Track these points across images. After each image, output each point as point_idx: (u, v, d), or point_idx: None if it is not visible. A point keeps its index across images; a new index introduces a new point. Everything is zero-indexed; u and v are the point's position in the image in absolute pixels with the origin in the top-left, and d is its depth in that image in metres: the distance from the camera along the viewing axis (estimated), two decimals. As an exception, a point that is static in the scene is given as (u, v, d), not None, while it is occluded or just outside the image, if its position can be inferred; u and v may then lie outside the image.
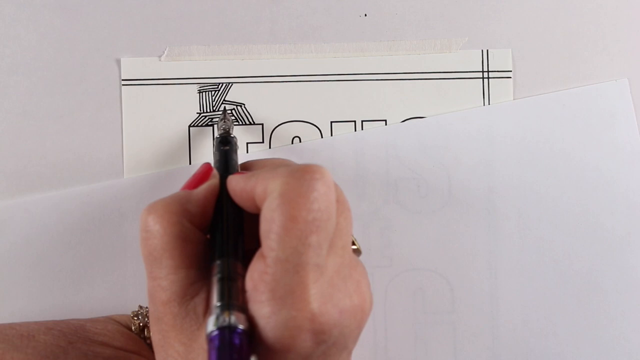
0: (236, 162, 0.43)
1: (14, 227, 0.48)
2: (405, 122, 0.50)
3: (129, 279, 0.49)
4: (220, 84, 0.50)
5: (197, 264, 0.36)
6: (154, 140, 0.49)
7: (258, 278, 0.34)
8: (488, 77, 0.50)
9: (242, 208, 0.38)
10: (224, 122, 0.47)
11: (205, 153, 0.49)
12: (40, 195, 0.49)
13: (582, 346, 0.49)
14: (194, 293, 0.35)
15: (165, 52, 0.49)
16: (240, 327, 0.33)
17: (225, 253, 0.36)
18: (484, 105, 0.50)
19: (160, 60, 0.49)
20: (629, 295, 0.49)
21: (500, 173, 0.50)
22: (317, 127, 0.50)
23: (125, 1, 0.49)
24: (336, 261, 0.35)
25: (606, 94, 0.50)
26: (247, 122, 0.50)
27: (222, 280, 0.35)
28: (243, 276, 0.35)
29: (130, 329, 0.44)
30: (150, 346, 0.44)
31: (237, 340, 0.32)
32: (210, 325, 0.33)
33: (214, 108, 0.50)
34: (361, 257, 0.43)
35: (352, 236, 0.41)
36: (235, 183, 0.38)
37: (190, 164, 0.49)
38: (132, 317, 0.45)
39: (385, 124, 0.50)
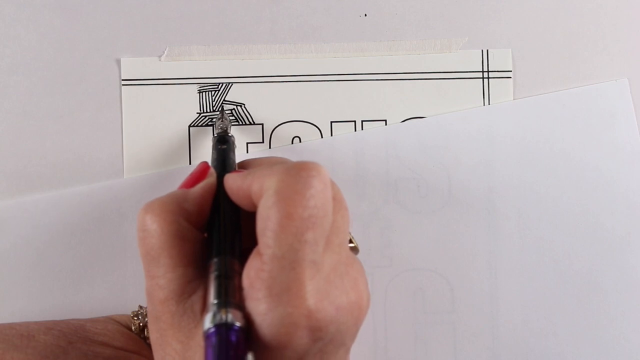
0: (234, 160, 0.43)
1: (14, 227, 0.48)
2: (405, 122, 0.50)
3: (129, 279, 0.49)
4: (220, 84, 0.50)
5: (195, 262, 0.36)
6: (154, 140, 0.49)
7: (254, 275, 0.34)
8: (488, 77, 0.50)
9: (239, 206, 0.38)
10: (222, 121, 0.48)
11: (205, 153, 0.49)
12: (40, 195, 0.49)
13: (582, 346, 0.49)
14: (192, 291, 0.36)
15: (165, 52, 0.49)
16: (237, 324, 0.33)
17: (222, 251, 0.36)
18: (484, 105, 0.50)
19: (160, 60, 0.49)
20: (629, 295, 0.49)
21: (500, 173, 0.50)
22: (317, 127, 0.50)
23: (125, 1, 0.49)
24: (333, 258, 0.35)
25: (606, 94, 0.50)
26: (247, 122, 0.50)
27: (219, 278, 0.35)
28: (240, 274, 0.35)
29: (130, 329, 0.44)
30: (150, 346, 0.44)
31: (233, 338, 0.32)
32: (207, 323, 0.33)
33: (214, 108, 0.50)
34: (361, 257, 0.43)
35: (350, 234, 0.41)
36: (232, 181, 0.38)
37: (190, 164, 0.49)
38: (132, 317, 0.45)
39: (385, 124, 0.50)
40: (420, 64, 0.50)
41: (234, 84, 0.50)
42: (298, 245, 0.34)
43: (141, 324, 0.44)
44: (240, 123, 0.50)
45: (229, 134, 0.46)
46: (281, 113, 0.50)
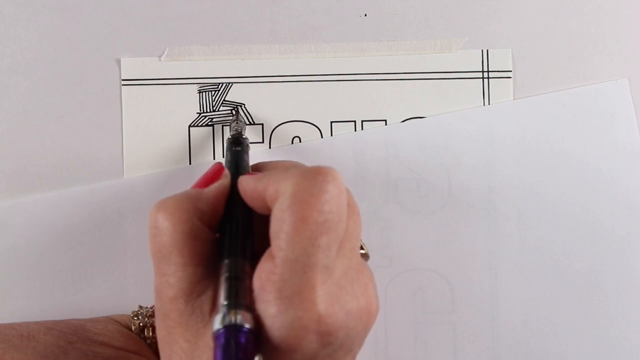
0: (247, 162, 0.43)
1: (14, 227, 0.48)
2: (405, 122, 0.50)
3: (129, 279, 0.49)
4: (220, 84, 0.50)
5: (206, 262, 0.36)
6: (154, 140, 0.49)
7: (266, 277, 0.34)
8: (488, 77, 0.50)
9: (252, 209, 0.38)
10: (237, 122, 0.48)
11: (205, 153, 0.49)
12: (40, 195, 0.49)
13: (582, 346, 0.49)
14: (201, 291, 0.36)
15: (165, 52, 0.49)
16: (247, 326, 0.33)
17: (234, 252, 0.36)
18: (484, 105, 0.50)
19: (160, 60, 0.49)
20: (629, 295, 0.49)
21: (500, 173, 0.50)
22: (317, 127, 0.50)
23: (125, 1, 0.49)
24: (344, 263, 0.35)
25: (606, 94, 0.50)
26: (247, 122, 0.50)
27: (229, 279, 0.35)
28: (251, 276, 0.35)
29: (130, 329, 0.44)
30: (150, 346, 0.44)
31: (242, 339, 0.32)
32: (217, 324, 0.33)
33: (214, 108, 0.50)
34: (361, 257, 0.43)
35: (361, 240, 0.41)
36: (247, 183, 0.38)
37: (190, 164, 0.49)
38: (132, 317, 0.45)
39: (385, 124, 0.50)
40: (420, 64, 0.50)
41: (234, 84, 0.50)
42: (311, 250, 0.34)
43: (141, 324, 0.44)
44: (240, 123, 0.50)
45: (244, 136, 0.46)
46: (281, 113, 0.50)
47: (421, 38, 0.50)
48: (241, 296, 0.34)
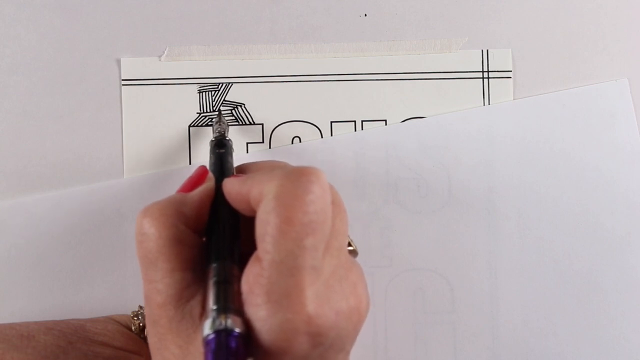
0: (232, 164, 0.43)
1: (14, 227, 0.48)
2: (405, 122, 0.50)
3: (129, 279, 0.49)
4: (220, 84, 0.49)
5: (193, 266, 0.36)
6: (154, 140, 0.49)
7: (253, 281, 0.34)
8: (488, 77, 0.50)
9: (238, 211, 0.38)
10: (219, 124, 0.47)
11: (206, 153, 0.49)
12: (40, 195, 0.49)
13: (582, 346, 0.49)
14: (190, 296, 0.35)
15: (165, 52, 0.49)
16: (237, 330, 0.33)
17: (221, 256, 0.36)
18: (484, 105, 0.50)
19: (160, 60, 0.49)
20: (629, 295, 0.49)
21: (500, 173, 0.50)
22: (317, 127, 0.50)
23: (125, 1, 0.49)
24: (332, 263, 0.35)
25: (606, 94, 0.50)
26: (247, 122, 0.50)
27: (218, 284, 0.35)
28: (239, 279, 0.35)
29: (130, 329, 0.44)
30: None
31: (233, 344, 0.32)
32: (207, 329, 0.33)
33: (214, 108, 0.50)
34: (361, 257, 0.43)
35: (349, 237, 0.41)
36: (231, 186, 0.38)
37: (190, 164, 0.49)
38: (132, 317, 0.45)
39: (385, 124, 0.50)
40: (420, 64, 0.50)
41: (234, 84, 0.50)
42: (298, 251, 0.33)
43: (141, 324, 0.44)
44: (240, 123, 0.50)
45: (227, 138, 0.46)
46: (281, 113, 0.50)
47: (421, 38, 0.50)
48: (230, 300, 0.34)
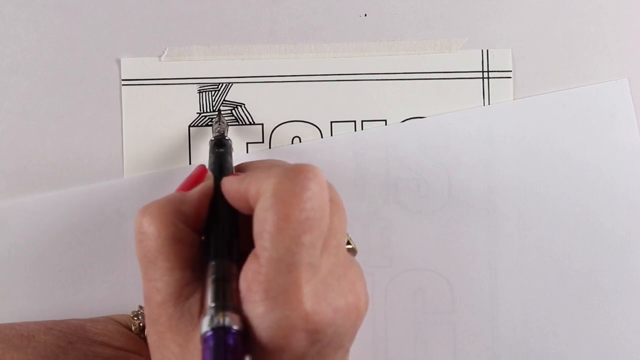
0: (231, 164, 0.43)
1: (14, 227, 0.48)
2: (405, 122, 0.50)
3: (129, 279, 0.49)
4: (220, 84, 0.49)
5: (192, 265, 0.36)
6: (154, 140, 0.49)
7: (251, 278, 0.34)
8: (488, 77, 0.50)
9: (236, 209, 0.38)
10: (219, 124, 0.47)
11: (205, 153, 0.49)
12: (40, 195, 0.49)
13: (582, 346, 0.49)
14: (189, 294, 0.36)
15: (165, 52, 0.49)
16: (235, 327, 0.33)
17: (219, 254, 0.36)
18: (484, 105, 0.50)
19: (160, 60, 0.49)
20: (629, 295, 0.49)
21: (500, 173, 0.50)
22: (317, 127, 0.50)
23: (125, 1, 0.49)
24: (330, 260, 0.35)
25: (606, 94, 0.50)
26: (247, 122, 0.50)
27: (216, 281, 0.35)
28: (238, 277, 0.35)
29: (130, 329, 0.44)
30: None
31: (231, 341, 0.32)
32: (205, 326, 0.33)
33: (214, 108, 0.50)
34: (360, 257, 0.43)
35: (348, 235, 0.41)
36: (229, 184, 0.38)
37: (190, 164, 0.49)
38: (132, 317, 0.45)
39: (385, 124, 0.50)
40: (420, 64, 0.50)
41: (234, 84, 0.50)
42: (295, 248, 0.34)
43: (141, 324, 0.44)
44: (240, 123, 0.50)
45: (226, 137, 0.46)
46: (281, 113, 0.50)
47: (421, 38, 0.50)
48: (228, 298, 0.34)
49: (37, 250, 0.48)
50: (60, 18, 0.49)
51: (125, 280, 0.49)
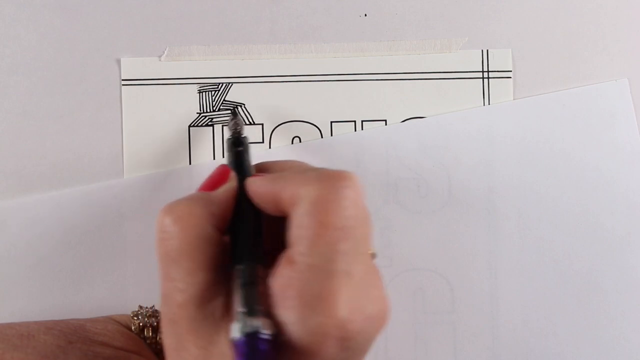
0: (250, 163, 0.43)
1: (14, 227, 0.48)
2: (405, 122, 0.50)
3: (129, 279, 0.49)
4: (220, 84, 0.50)
5: (215, 266, 0.36)
6: (154, 140, 0.49)
7: (286, 283, 0.34)
8: (488, 77, 0.50)
9: (261, 210, 0.38)
10: (235, 122, 0.47)
11: (205, 153, 0.49)
12: (40, 195, 0.49)
13: (582, 346, 0.49)
14: (212, 296, 0.35)
15: (165, 52, 0.49)
16: (266, 333, 0.33)
17: (247, 257, 0.36)
18: (484, 105, 0.50)
19: (160, 60, 0.49)
20: (629, 295, 0.49)
21: (500, 173, 0.50)
22: (317, 127, 0.50)
23: (125, 1, 0.49)
24: (361, 268, 0.35)
25: (606, 94, 0.50)
26: (247, 122, 0.50)
27: (245, 286, 0.34)
28: (264, 280, 0.35)
29: (130, 329, 0.44)
30: (150, 346, 0.44)
31: (263, 347, 0.32)
32: (235, 332, 0.33)
33: (214, 108, 0.50)
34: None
35: None
36: (259, 185, 0.37)
37: (190, 164, 0.49)
38: (132, 317, 0.45)
39: (385, 124, 0.50)
40: (420, 64, 0.50)
41: (234, 84, 0.50)
42: (332, 255, 0.33)
43: (141, 324, 0.44)
44: (240, 123, 0.50)
45: (243, 136, 0.46)
46: (281, 113, 0.50)
47: (421, 38, 0.50)
48: (258, 302, 0.34)
49: (37, 250, 0.48)
50: (60, 18, 0.49)
51: (125, 280, 0.49)
